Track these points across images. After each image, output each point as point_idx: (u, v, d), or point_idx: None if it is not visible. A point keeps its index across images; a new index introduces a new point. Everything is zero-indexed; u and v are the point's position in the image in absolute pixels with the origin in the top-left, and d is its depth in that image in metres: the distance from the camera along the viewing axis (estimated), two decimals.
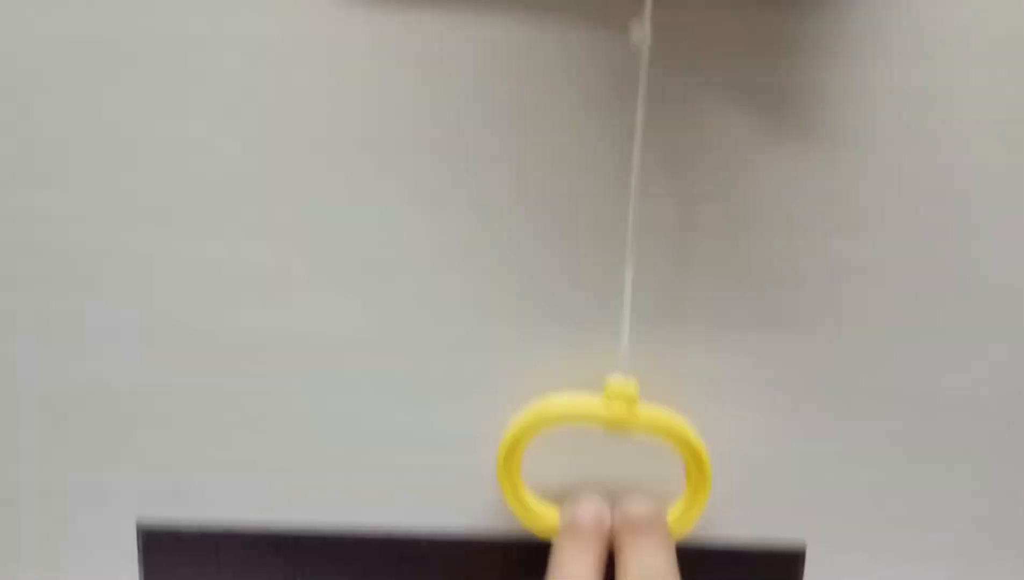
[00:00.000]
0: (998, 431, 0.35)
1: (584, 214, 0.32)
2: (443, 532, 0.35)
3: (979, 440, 0.35)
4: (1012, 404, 0.35)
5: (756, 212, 0.32)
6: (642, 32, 0.29)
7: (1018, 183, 0.33)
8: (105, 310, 0.33)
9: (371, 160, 0.32)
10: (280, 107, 0.31)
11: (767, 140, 0.32)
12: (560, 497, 0.34)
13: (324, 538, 0.35)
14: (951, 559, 0.36)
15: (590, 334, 0.33)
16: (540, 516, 0.33)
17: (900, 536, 0.36)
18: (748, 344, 0.33)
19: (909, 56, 0.31)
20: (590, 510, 0.32)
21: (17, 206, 0.32)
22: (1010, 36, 0.31)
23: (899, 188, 0.32)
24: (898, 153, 0.32)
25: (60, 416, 0.34)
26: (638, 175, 0.31)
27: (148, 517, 0.35)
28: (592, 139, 0.32)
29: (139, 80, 0.31)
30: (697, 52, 0.31)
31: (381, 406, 0.34)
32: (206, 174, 0.32)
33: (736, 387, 0.34)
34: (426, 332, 0.33)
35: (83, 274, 0.33)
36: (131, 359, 0.34)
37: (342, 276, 0.33)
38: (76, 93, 0.32)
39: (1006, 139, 0.32)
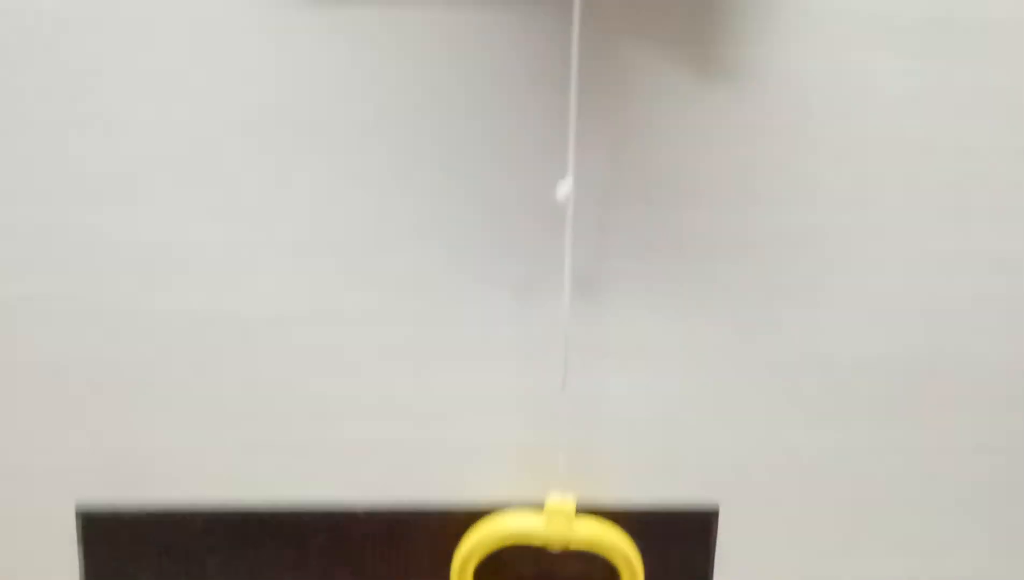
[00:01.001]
0: (885, 393, 0.38)
1: (518, 186, 0.33)
2: (380, 504, 0.36)
3: (873, 400, 0.38)
4: (899, 365, 0.38)
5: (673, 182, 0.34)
6: None
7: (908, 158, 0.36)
8: (51, 291, 0.33)
9: (307, 143, 0.32)
10: (215, 91, 0.32)
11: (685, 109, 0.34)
12: None
13: (261, 517, 0.35)
14: (846, 515, 0.39)
15: (530, 299, 0.35)
16: None
17: (805, 494, 0.38)
18: (665, 312, 0.35)
19: (811, 36, 0.34)
20: None
21: None
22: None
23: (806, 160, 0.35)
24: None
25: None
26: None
27: (88, 500, 0.35)
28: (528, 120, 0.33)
29: (82, 59, 0.31)
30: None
31: (321, 381, 0.34)
32: (151, 155, 0.32)
33: (653, 353, 0.36)
34: (365, 308, 0.34)
35: (30, 255, 0.32)
36: (76, 340, 0.33)
37: (282, 257, 0.33)
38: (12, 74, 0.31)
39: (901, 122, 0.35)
